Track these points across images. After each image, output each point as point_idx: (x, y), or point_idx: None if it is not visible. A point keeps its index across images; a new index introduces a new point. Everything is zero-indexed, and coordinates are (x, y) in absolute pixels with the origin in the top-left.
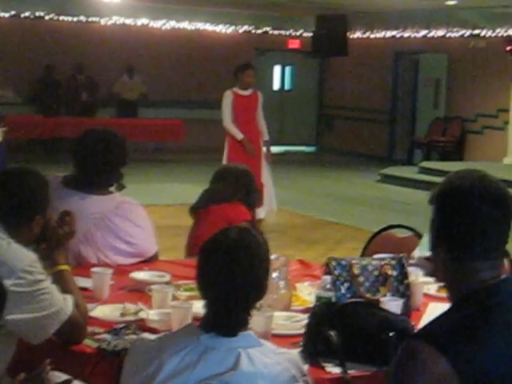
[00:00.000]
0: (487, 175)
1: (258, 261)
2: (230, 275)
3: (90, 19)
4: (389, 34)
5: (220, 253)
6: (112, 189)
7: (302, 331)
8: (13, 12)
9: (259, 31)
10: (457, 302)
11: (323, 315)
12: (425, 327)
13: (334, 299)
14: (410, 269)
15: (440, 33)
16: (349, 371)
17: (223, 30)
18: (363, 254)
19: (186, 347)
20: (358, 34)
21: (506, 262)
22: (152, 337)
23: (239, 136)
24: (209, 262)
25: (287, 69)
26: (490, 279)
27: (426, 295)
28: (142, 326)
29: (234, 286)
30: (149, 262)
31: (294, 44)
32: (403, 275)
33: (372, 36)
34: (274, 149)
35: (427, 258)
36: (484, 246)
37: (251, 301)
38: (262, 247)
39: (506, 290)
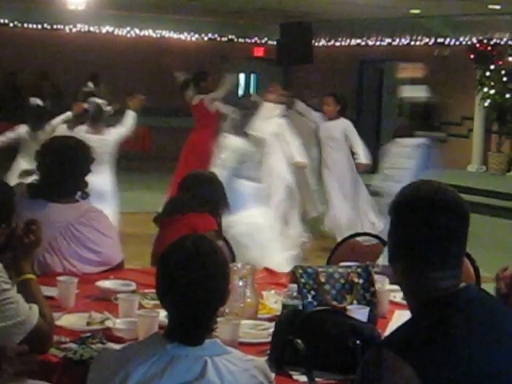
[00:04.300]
0: (443, 186)
1: (216, 267)
2: (188, 284)
3: (54, 26)
4: (353, 42)
5: (176, 262)
6: (77, 197)
7: (269, 339)
8: None
9: (224, 39)
10: (418, 310)
11: (290, 323)
12: (388, 336)
13: (300, 307)
14: (376, 277)
15: (404, 41)
16: (315, 379)
17: (188, 38)
18: (329, 262)
19: (151, 357)
20: (322, 42)
21: (471, 269)
22: (117, 347)
23: None
24: (166, 272)
25: (252, 77)
26: (450, 288)
27: (392, 303)
28: (108, 334)
29: (193, 295)
30: (115, 270)
31: (259, 52)
32: (369, 283)
33: (337, 44)
34: None
35: None
36: (441, 255)
37: (212, 308)
38: (219, 253)
39: (466, 298)
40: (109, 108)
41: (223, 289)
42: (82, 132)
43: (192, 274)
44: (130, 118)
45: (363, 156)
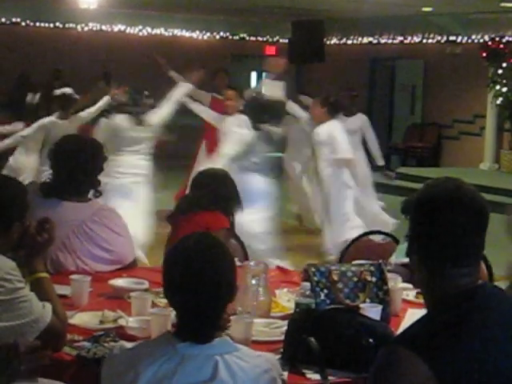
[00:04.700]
0: (464, 185)
1: (220, 264)
2: (193, 283)
3: (66, 25)
4: (365, 40)
5: (180, 261)
6: (89, 196)
7: (282, 338)
8: None
9: (236, 37)
10: (433, 307)
11: (303, 322)
12: (403, 332)
13: (313, 306)
14: (388, 275)
15: (416, 39)
16: (329, 377)
17: (200, 37)
18: (341, 260)
19: (162, 356)
20: (334, 41)
21: (484, 267)
22: (130, 345)
23: None
24: (171, 272)
25: (264, 75)
26: (466, 285)
27: (405, 301)
28: (121, 333)
29: (198, 293)
30: (127, 268)
31: (271, 50)
32: (382, 281)
33: (348, 42)
34: None
35: (403, 265)
36: (457, 254)
37: (219, 304)
38: (224, 250)
39: (482, 294)
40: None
41: (230, 285)
42: (52, 118)
43: (196, 272)
44: (100, 102)
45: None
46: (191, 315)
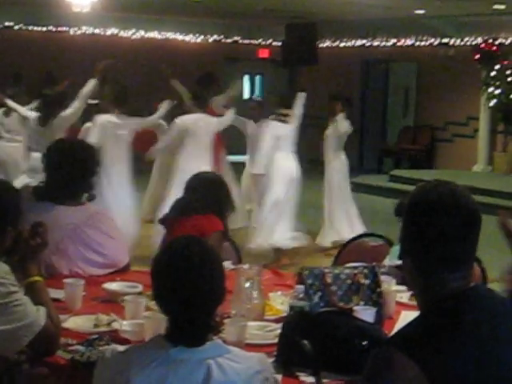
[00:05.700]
0: (457, 189)
1: (209, 267)
2: (182, 287)
3: (59, 29)
4: (358, 42)
5: (169, 266)
6: (83, 199)
7: (276, 341)
8: None
9: (229, 40)
10: (426, 308)
11: (296, 324)
12: (395, 334)
13: (307, 308)
14: (382, 277)
15: (409, 41)
16: (323, 380)
17: (193, 40)
18: (335, 263)
19: (154, 361)
20: (327, 43)
21: (477, 269)
22: (121, 348)
23: None
24: (159, 277)
25: (257, 78)
26: (458, 288)
27: (399, 303)
28: (115, 336)
29: (185, 297)
30: (121, 272)
31: (264, 53)
32: (376, 284)
33: (342, 45)
34: (244, 158)
35: (397, 267)
36: (450, 259)
37: (208, 308)
38: (211, 253)
39: (475, 296)
40: None
41: (217, 288)
42: None
43: (182, 276)
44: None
45: None
46: (178, 318)
